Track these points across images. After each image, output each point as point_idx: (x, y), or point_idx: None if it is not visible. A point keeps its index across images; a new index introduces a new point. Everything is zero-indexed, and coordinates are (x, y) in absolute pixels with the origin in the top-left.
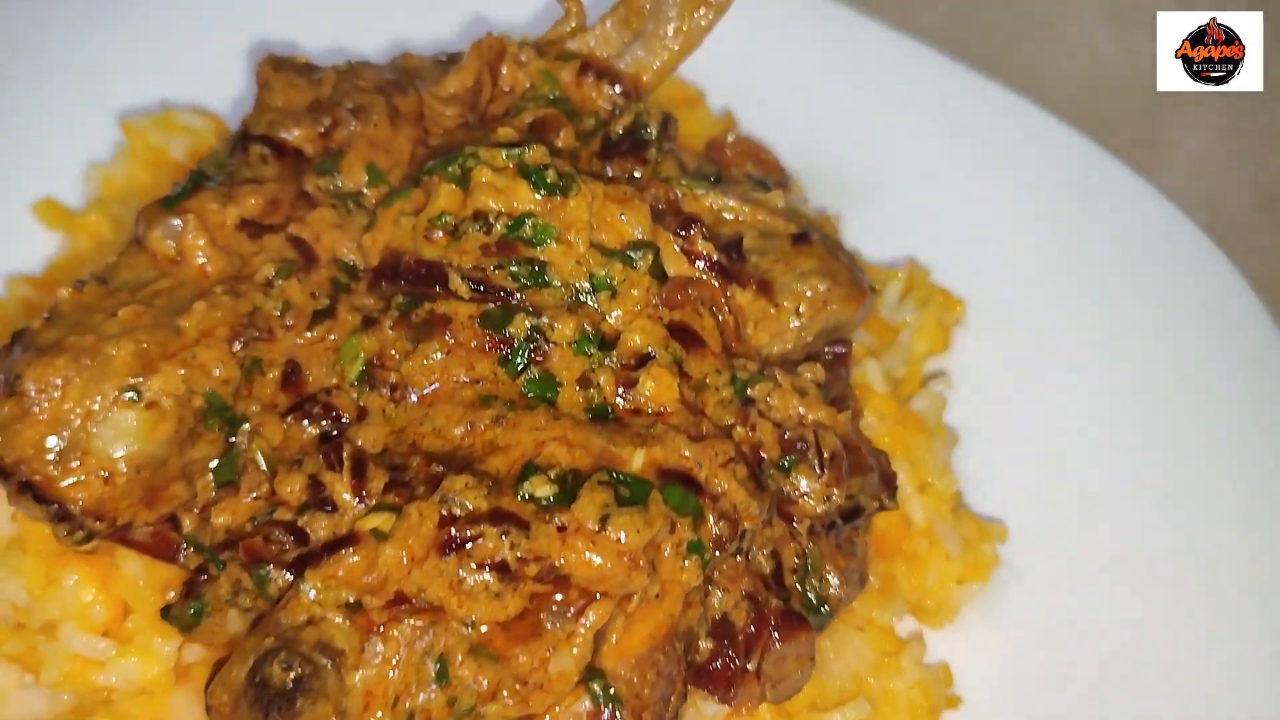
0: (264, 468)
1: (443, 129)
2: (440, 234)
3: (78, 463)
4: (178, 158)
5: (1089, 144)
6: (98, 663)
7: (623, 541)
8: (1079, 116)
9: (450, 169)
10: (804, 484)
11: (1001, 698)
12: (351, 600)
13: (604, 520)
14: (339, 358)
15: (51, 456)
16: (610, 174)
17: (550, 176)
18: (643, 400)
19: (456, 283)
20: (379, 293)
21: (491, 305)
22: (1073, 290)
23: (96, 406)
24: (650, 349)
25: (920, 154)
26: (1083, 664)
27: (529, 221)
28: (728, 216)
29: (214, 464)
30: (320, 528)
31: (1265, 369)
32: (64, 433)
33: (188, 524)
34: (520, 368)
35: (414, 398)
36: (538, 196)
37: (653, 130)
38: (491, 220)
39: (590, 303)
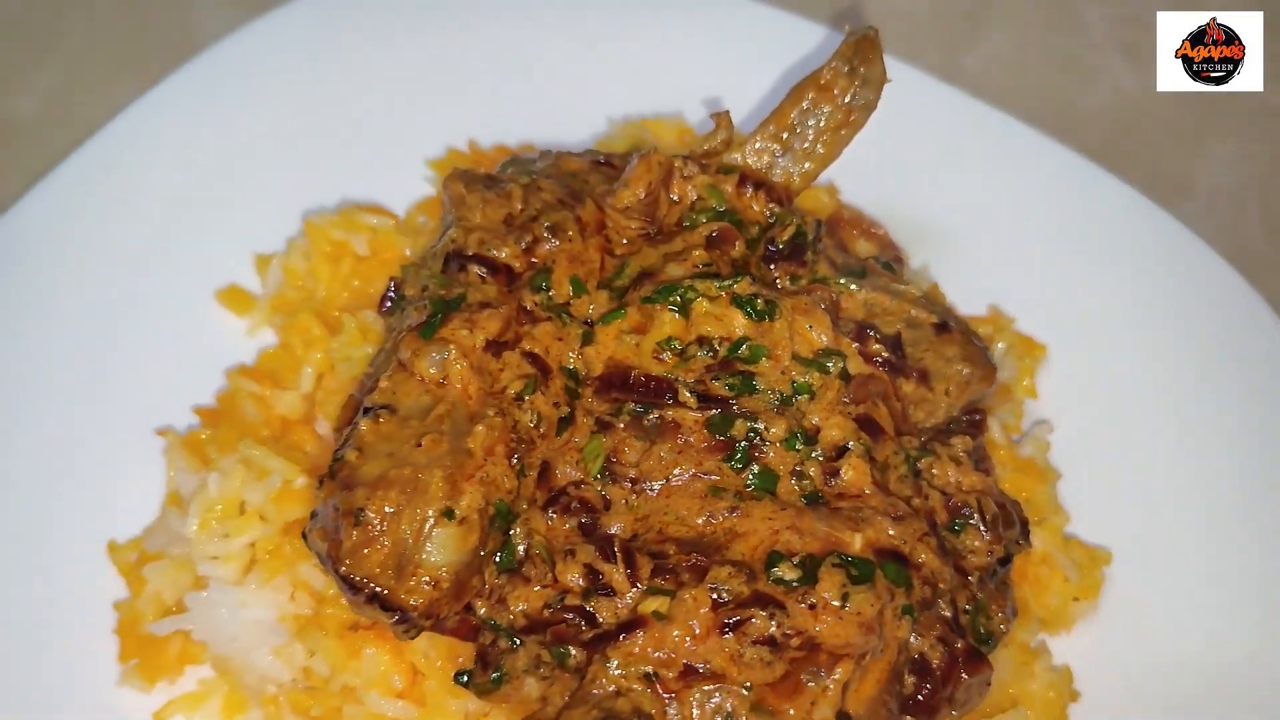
0: (546, 559)
1: (626, 239)
2: (668, 355)
3: (413, 577)
4: (361, 252)
5: (1134, 194)
6: None
7: (861, 614)
8: (1107, 150)
9: (670, 299)
10: (972, 543)
11: (1112, 689)
12: (650, 672)
13: (844, 598)
14: (582, 456)
15: (391, 573)
16: (775, 277)
17: (760, 305)
18: (843, 486)
19: (685, 395)
20: (606, 398)
21: (713, 411)
22: (1127, 332)
23: (425, 528)
24: (847, 441)
25: (986, 207)
26: (1180, 656)
27: (746, 344)
28: (877, 308)
29: (498, 556)
30: (603, 610)
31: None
32: (401, 552)
33: (482, 609)
34: (742, 464)
35: (651, 490)
36: (749, 322)
37: (809, 236)
38: (715, 345)
39: (793, 404)
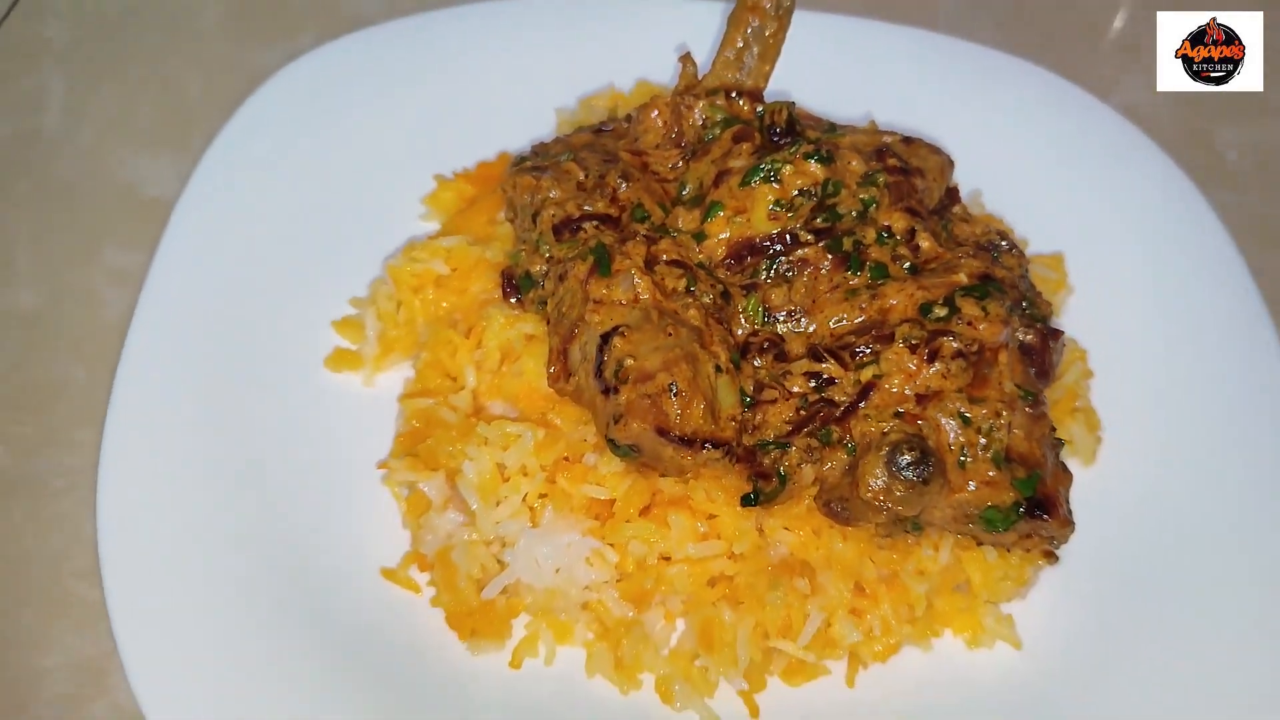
0: (777, 383)
1: (671, 165)
2: (780, 212)
3: (722, 418)
4: (442, 272)
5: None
6: (713, 558)
7: (999, 314)
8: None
9: (762, 174)
10: (1008, 260)
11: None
12: (897, 410)
13: (984, 309)
14: (745, 314)
15: (710, 420)
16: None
17: (825, 152)
18: (925, 254)
19: (805, 236)
20: (739, 269)
21: (825, 240)
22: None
23: (713, 382)
24: (910, 226)
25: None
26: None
27: (830, 183)
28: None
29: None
30: (837, 393)
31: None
32: (709, 403)
33: (744, 437)
34: (858, 267)
35: (806, 314)
36: (824, 167)
37: (794, 114)
38: (812, 191)
39: (867, 215)
